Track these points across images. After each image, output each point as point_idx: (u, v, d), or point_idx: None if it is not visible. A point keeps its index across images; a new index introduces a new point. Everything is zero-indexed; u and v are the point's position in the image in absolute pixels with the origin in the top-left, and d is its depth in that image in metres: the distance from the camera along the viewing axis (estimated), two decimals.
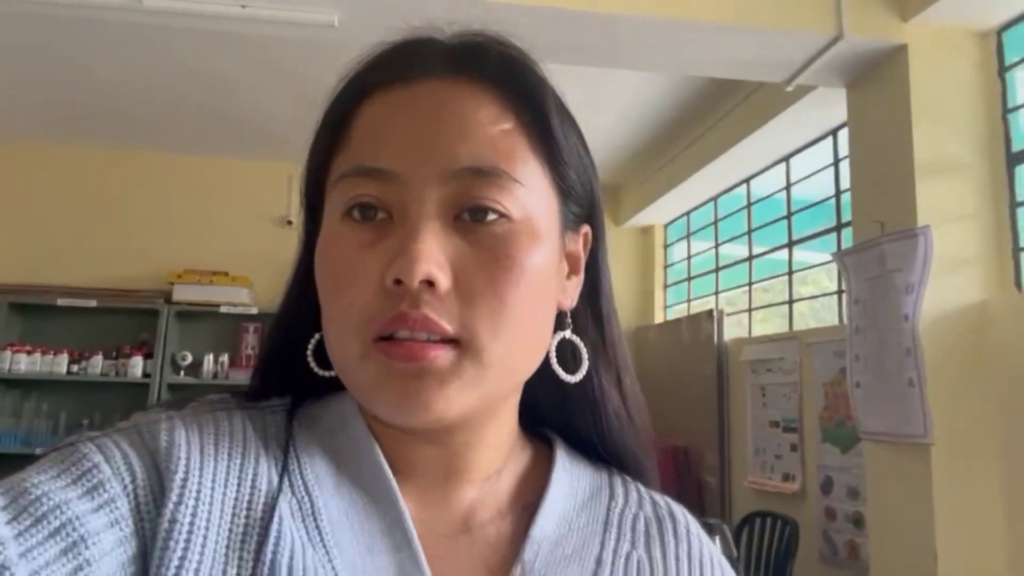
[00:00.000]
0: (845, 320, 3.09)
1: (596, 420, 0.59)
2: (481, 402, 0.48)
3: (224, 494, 0.45)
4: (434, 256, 0.45)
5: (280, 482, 0.48)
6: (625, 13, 2.38)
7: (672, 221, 5.14)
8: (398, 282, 0.45)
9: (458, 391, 0.46)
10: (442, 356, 0.45)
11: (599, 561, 0.53)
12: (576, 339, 0.56)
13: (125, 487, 0.43)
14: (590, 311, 0.58)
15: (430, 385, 0.45)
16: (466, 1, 2.29)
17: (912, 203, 2.42)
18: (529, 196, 0.49)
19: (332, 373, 0.52)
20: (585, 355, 0.56)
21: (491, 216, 0.47)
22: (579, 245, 0.56)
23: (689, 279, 4.85)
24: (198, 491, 0.44)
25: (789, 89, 2.83)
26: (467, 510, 0.53)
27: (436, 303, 0.45)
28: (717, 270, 4.48)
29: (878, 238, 2.52)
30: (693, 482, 4.06)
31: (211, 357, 4.39)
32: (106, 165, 4.65)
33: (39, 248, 4.48)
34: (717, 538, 1.81)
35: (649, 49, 2.59)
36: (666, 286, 5.20)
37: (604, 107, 3.96)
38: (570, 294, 0.56)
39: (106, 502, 0.42)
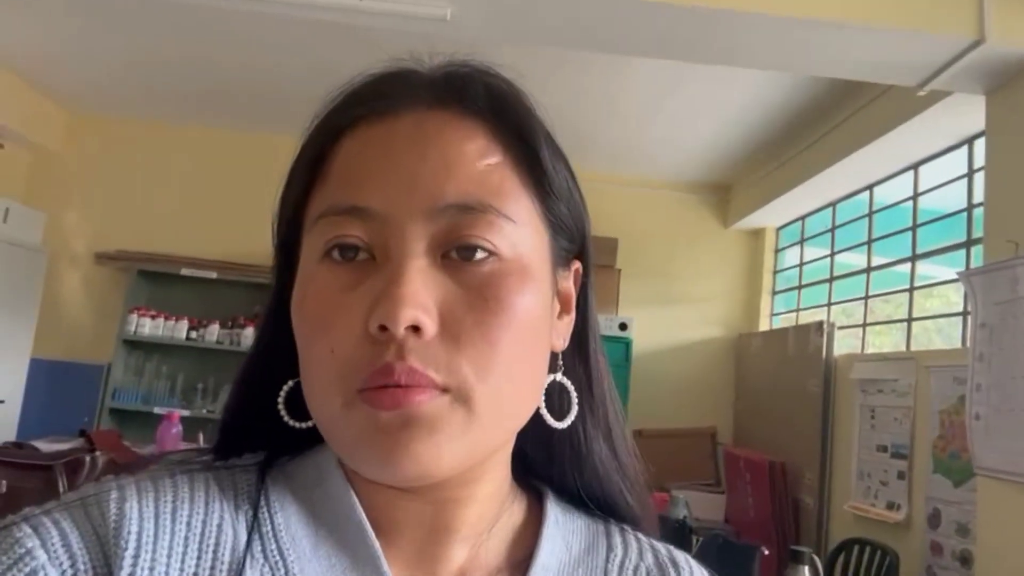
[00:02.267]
0: (968, 344, 2.88)
1: (581, 469, 0.56)
2: (472, 455, 0.45)
3: (182, 569, 0.42)
4: (420, 299, 0.42)
5: (248, 548, 0.44)
6: (756, 11, 2.28)
7: (785, 225, 4.92)
8: (382, 328, 0.42)
9: (448, 441, 0.42)
10: (428, 401, 0.42)
11: None
12: (566, 381, 0.53)
13: (63, 573, 0.40)
14: (577, 352, 0.55)
15: (418, 435, 0.42)
16: (591, 2, 2.25)
17: None
18: (519, 233, 0.46)
19: (307, 424, 0.49)
20: (575, 398, 0.53)
21: (479, 255, 0.44)
22: (570, 282, 0.53)
23: (800, 287, 4.64)
24: (151, 568, 0.41)
25: (922, 94, 2.64)
26: (457, 572, 0.49)
27: (422, 350, 0.42)
28: (831, 280, 4.26)
29: (1012, 259, 2.32)
30: (788, 500, 3.89)
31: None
32: (232, 146, 4.89)
33: (168, 221, 4.78)
34: (806, 568, 1.72)
35: (777, 48, 2.47)
36: (774, 293, 4.99)
37: (722, 104, 3.84)
38: (562, 334, 0.53)
39: None
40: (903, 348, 3.46)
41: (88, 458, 2.23)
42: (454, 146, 0.46)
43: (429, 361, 0.42)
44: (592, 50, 2.68)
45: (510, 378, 0.45)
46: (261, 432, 0.51)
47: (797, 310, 4.64)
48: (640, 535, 0.57)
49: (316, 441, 0.50)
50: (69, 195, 4.81)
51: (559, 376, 0.52)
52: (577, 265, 0.54)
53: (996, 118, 2.54)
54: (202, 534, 0.44)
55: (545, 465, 0.56)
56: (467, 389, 0.43)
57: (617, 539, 0.56)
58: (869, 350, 3.80)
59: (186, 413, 4.10)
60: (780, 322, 4.87)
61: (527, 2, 2.32)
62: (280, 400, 0.50)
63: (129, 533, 0.41)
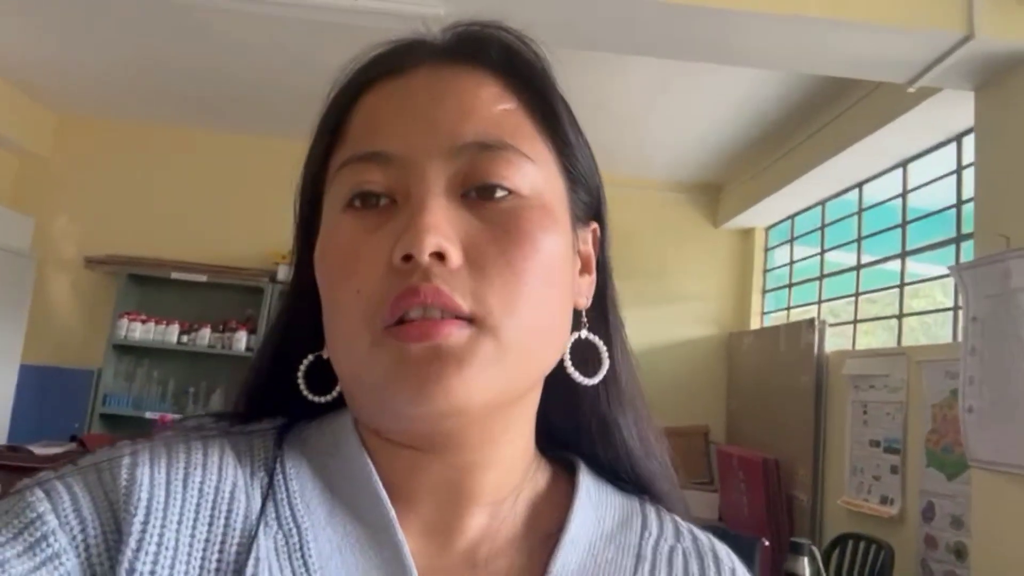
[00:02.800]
0: (960, 338, 2.91)
1: (609, 441, 0.54)
2: (502, 390, 0.44)
3: (192, 536, 0.41)
4: (443, 229, 0.42)
5: (262, 515, 0.43)
6: (747, 9, 2.29)
7: (775, 224, 4.95)
8: (407, 258, 0.42)
9: (478, 373, 0.42)
10: (457, 333, 0.42)
11: None
12: (594, 337, 0.52)
13: (73, 538, 0.39)
14: (599, 315, 0.54)
15: (448, 368, 0.41)
16: (580, 1, 2.26)
17: None
18: (538, 173, 0.46)
19: (326, 398, 0.49)
20: (605, 354, 0.52)
21: (500, 193, 0.45)
22: (589, 244, 0.53)
23: (790, 285, 4.67)
24: (160, 535, 0.40)
25: (911, 91, 2.66)
26: (474, 541, 0.48)
27: (448, 276, 0.42)
28: (821, 277, 4.29)
29: (1003, 253, 2.35)
30: (782, 497, 3.91)
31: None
32: (222, 148, 4.87)
33: (158, 224, 4.75)
34: (806, 559, 1.73)
35: (767, 46, 2.49)
36: (764, 291, 5.02)
37: (710, 104, 3.86)
38: (585, 292, 0.52)
39: (50, 558, 0.39)
40: (894, 344, 3.49)
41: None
42: (470, 91, 0.47)
43: (456, 286, 0.42)
44: (586, 49, 2.69)
45: (535, 312, 0.44)
46: (281, 400, 0.51)
47: (788, 308, 4.67)
48: (677, 518, 0.55)
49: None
50: (58, 199, 4.77)
51: (585, 333, 0.52)
52: (595, 226, 0.54)
53: (985, 114, 2.56)
54: (214, 501, 0.43)
55: (574, 440, 0.55)
56: (494, 320, 0.42)
57: (652, 517, 0.54)
58: (859, 346, 3.82)
59: (178, 417, 4.07)
60: (771, 320, 4.89)
61: (521, 1, 2.33)
62: (300, 373, 0.50)
63: (139, 499, 0.41)
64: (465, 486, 0.48)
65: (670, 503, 0.56)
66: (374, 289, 0.43)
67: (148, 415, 4.31)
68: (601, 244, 0.55)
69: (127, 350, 4.53)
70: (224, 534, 0.42)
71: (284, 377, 0.51)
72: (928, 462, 2.99)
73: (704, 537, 0.54)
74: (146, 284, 4.64)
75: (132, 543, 0.39)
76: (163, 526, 0.41)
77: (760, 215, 4.79)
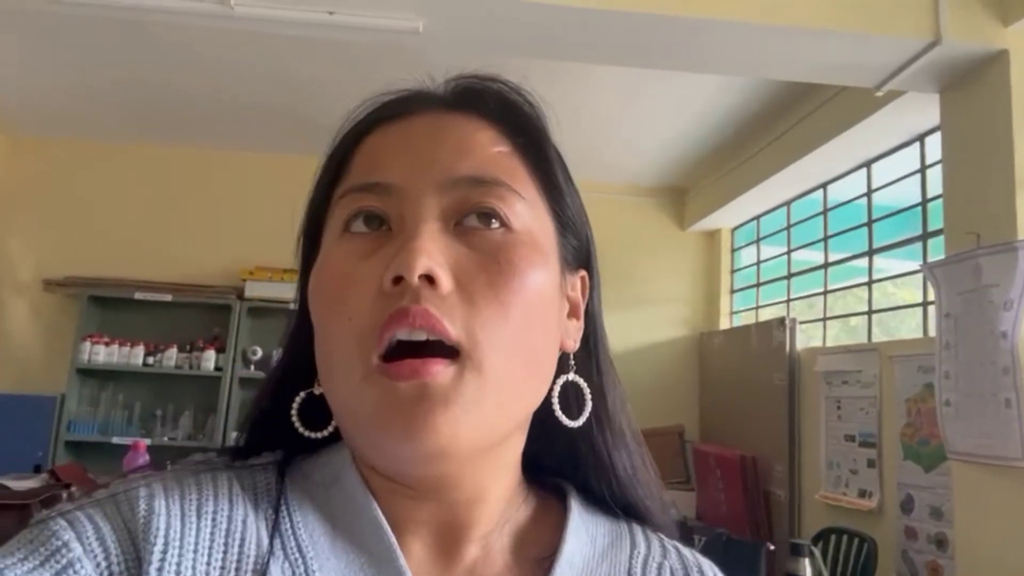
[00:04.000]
0: (931, 333, 2.99)
1: (605, 474, 0.57)
2: (487, 430, 0.45)
3: (208, 563, 0.42)
4: (434, 254, 0.43)
5: (271, 544, 0.45)
6: (713, 17, 2.33)
7: (740, 225, 5.04)
8: (397, 280, 0.43)
9: (463, 411, 0.43)
10: (442, 372, 0.43)
11: None
12: (580, 380, 0.54)
13: (98, 565, 0.41)
14: (590, 358, 0.56)
15: (434, 407, 0.42)
16: (545, 8, 2.27)
17: (1012, 215, 2.32)
18: (529, 212, 0.48)
19: (321, 434, 0.50)
20: (588, 397, 0.54)
21: (492, 223, 0.46)
22: (578, 291, 0.55)
23: (758, 285, 4.75)
24: (178, 563, 0.41)
25: (879, 94, 2.73)
26: (470, 567, 0.49)
27: (438, 300, 0.43)
28: (789, 276, 4.38)
29: (973, 250, 2.42)
30: (760, 493, 3.97)
31: (280, 352, 4.48)
32: (184, 164, 4.77)
33: (119, 243, 4.62)
34: (807, 560, 1.75)
35: (736, 53, 2.53)
36: (732, 291, 5.10)
37: (676, 110, 3.91)
38: (572, 335, 0.54)
39: None
40: (864, 340, 3.57)
41: (64, 493, 2.14)
42: (467, 134, 0.49)
43: (445, 311, 0.43)
44: (559, 59, 2.71)
45: (520, 346, 0.45)
46: (281, 436, 0.52)
47: (756, 307, 4.75)
48: (664, 537, 0.58)
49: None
50: (12, 221, 4.62)
51: (572, 376, 0.53)
52: (583, 273, 0.56)
53: (951, 115, 2.64)
54: (227, 530, 0.44)
55: (569, 472, 0.57)
56: (480, 352, 0.43)
57: (640, 537, 0.56)
58: (828, 343, 3.90)
59: (147, 441, 3.95)
60: (740, 320, 4.97)
61: (497, 14, 2.33)
62: (294, 410, 0.51)
63: (158, 529, 0.42)
64: (459, 522, 0.49)
65: (658, 527, 0.58)
66: (365, 315, 0.44)
67: (115, 440, 4.18)
68: (591, 292, 0.56)
69: (91, 374, 4.40)
70: (238, 562, 0.43)
71: (285, 413, 0.52)
72: (904, 455, 3.06)
73: (688, 553, 0.57)
74: (109, 305, 4.51)
75: (152, 572, 0.40)
76: (180, 554, 0.42)
77: (726, 217, 4.87)
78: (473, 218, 0.46)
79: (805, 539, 3.34)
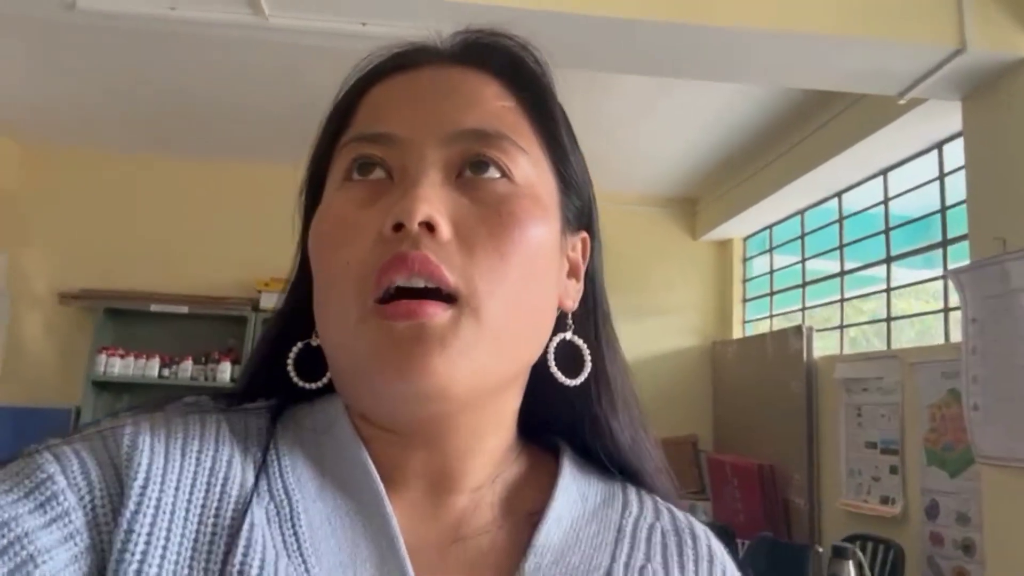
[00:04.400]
0: (955, 339, 3.01)
1: (601, 433, 0.56)
2: (483, 373, 0.45)
3: (189, 500, 0.42)
4: (435, 202, 0.44)
5: (256, 485, 0.45)
6: (737, 26, 2.35)
7: (752, 235, 5.06)
8: (397, 228, 0.43)
9: (459, 354, 0.43)
10: (440, 314, 0.43)
11: (609, 573, 0.49)
12: (578, 340, 0.54)
13: (81, 498, 0.41)
14: (589, 319, 0.56)
15: (431, 348, 0.42)
16: (568, 17, 2.29)
17: None
18: (532, 167, 0.48)
19: (315, 384, 0.51)
20: (588, 356, 0.54)
21: (493, 172, 0.46)
22: (578, 252, 0.55)
23: (771, 294, 4.77)
24: (158, 499, 0.41)
25: (902, 102, 2.76)
26: (458, 518, 0.49)
27: (437, 247, 0.43)
28: (804, 285, 4.39)
29: (1000, 256, 2.44)
30: (779, 502, 3.97)
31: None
32: (200, 175, 4.78)
33: (135, 255, 4.62)
34: (851, 563, 1.76)
35: (760, 62, 2.56)
36: (744, 300, 5.11)
37: (690, 119, 3.93)
38: (571, 295, 0.54)
39: (59, 515, 0.40)
40: (883, 347, 3.58)
41: None
42: (473, 87, 0.49)
43: (443, 258, 0.43)
44: (582, 69, 2.73)
45: (518, 297, 0.46)
46: (277, 386, 0.52)
47: (770, 316, 4.76)
48: (658, 499, 0.57)
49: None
50: (28, 234, 4.61)
51: (569, 335, 0.53)
52: (584, 235, 0.56)
53: (975, 121, 2.67)
54: (211, 470, 0.44)
55: (567, 433, 0.57)
56: (477, 299, 0.44)
57: (633, 497, 0.56)
58: (846, 351, 3.92)
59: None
60: (752, 329, 4.98)
61: (516, 24, 2.34)
62: (290, 360, 0.51)
63: (139, 464, 0.42)
64: (450, 473, 0.49)
65: (657, 490, 0.58)
66: (363, 259, 0.44)
67: None
68: (592, 255, 0.57)
69: (106, 386, 4.38)
70: (220, 501, 0.43)
71: (281, 363, 0.52)
72: (928, 461, 3.07)
73: (682, 516, 0.56)
74: (124, 318, 4.50)
75: (131, 505, 0.40)
76: (161, 490, 0.42)
77: (738, 226, 4.89)
78: (475, 168, 0.46)
79: (827, 547, 3.34)
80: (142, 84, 3.78)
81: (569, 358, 0.54)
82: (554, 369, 0.52)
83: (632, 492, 0.56)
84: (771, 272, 4.79)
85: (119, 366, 4.32)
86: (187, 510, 0.42)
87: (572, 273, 0.54)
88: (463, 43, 0.53)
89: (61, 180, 4.71)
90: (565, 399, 0.55)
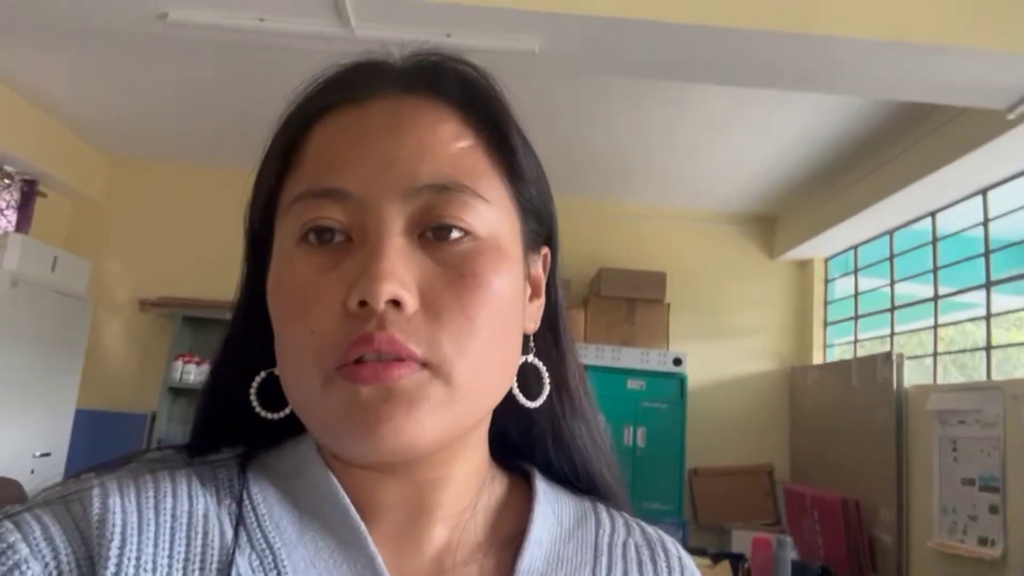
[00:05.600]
0: None
1: (565, 449, 0.57)
2: (452, 429, 0.45)
3: (170, 556, 0.41)
4: (399, 275, 0.42)
5: (236, 536, 0.44)
6: (837, 35, 2.25)
7: (835, 255, 4.86)
8: (362, 304, 0.42)
9: (428, 415, 0.43)
10: (408, 376, 0.42)
11: None
12: (538, 362, 0.54)
13: (46, 566, 0.40)
14: (549, 334, 0.56)
15: (399, 409, 0.42)
16: (661, 26, 2.22)
17: None
18: (493, 214, 0.47)
19: (279, 415, 0.49)
20: (547, 378, 0.54)
21: (455, 234, 0.45)
22: (539, 267, 0.54)
23: (856, 317, 4.56)
24: (138, 557, 0.40)
25: (1011, 117, 2.59)
26: (441, 550, 0.49)
27: (403, 323, 0.42)
28: (892, 309, 4.18)
29: None
30: (864, 539, 3.76)
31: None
32: None
33: (211, 264, 4.69)
34: None
35: (861, 73, 2.44)
36: (826, 324, 4.91)
37: (773, 136, 3.81)
38: (533, 317, 0.54)
39: None
40: (982, 378, 3.37)
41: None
42: (428, 129, 0.47)
43: (410, 334, 0.42)
44: (673, 79, 2.66)
45: (488, 354, 0.45)
46: (236, 426, 0.51)
47: (854, 341, 4.55)
48: (626, 515, 0.58)
49: (291, 434, 0.50)
50: (111, 242, 4.77)
51: (531, 357, 0.53)
52: (545, 250, 0.55)
53: None
54: (188, 524, 0.43)
55: (529, 449, 0.57)
56: (448, 365, 0.43)
57: (604, 515, 0.57)
58: (939, 380, 3.70)
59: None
60: (834, 354, 4.77)
61: (615, 34, 2.29)
62: (252, 391, 0.50)
63: (114, 526, 0.41)
64: (424, 502, 0.49)
65: (617, 503, 0.59)
66: (329, 331, 0.43)
67: None
68: (552, 265, 0.56)
69: (182, 393, 4.47)
70: (202, 555, 0.42)
71: (238, 400, 0.51)
72: None
73: (651, 530, 0.58)
74: (200, 325, 4.59)
75: (111, 566, 0.39)
76: (139, 547, 0.41)
77: (819, 246, 4.70)
78: (437, 232, 0.45)
79: None
80: (223, 97, 3.87)
81: (529, 377, 0.54)
82: (517, 394, 0.52)
83: (602, 510, 0.57)
84: (856, 295, 4.58)
85: (195, 373, 4.40)
86: (170, 566, 0.41)
87: (534, 292, 0.54)
88: (416, 67, 0.50)
89: (143, 191, 4.86)
90: (525, 414, 0.55)
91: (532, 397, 0.53)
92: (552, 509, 0.54)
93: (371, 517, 0.48)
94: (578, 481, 0.58)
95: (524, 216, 0.51)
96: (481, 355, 0.45)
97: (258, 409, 0.50)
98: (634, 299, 4.58)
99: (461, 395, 0.44)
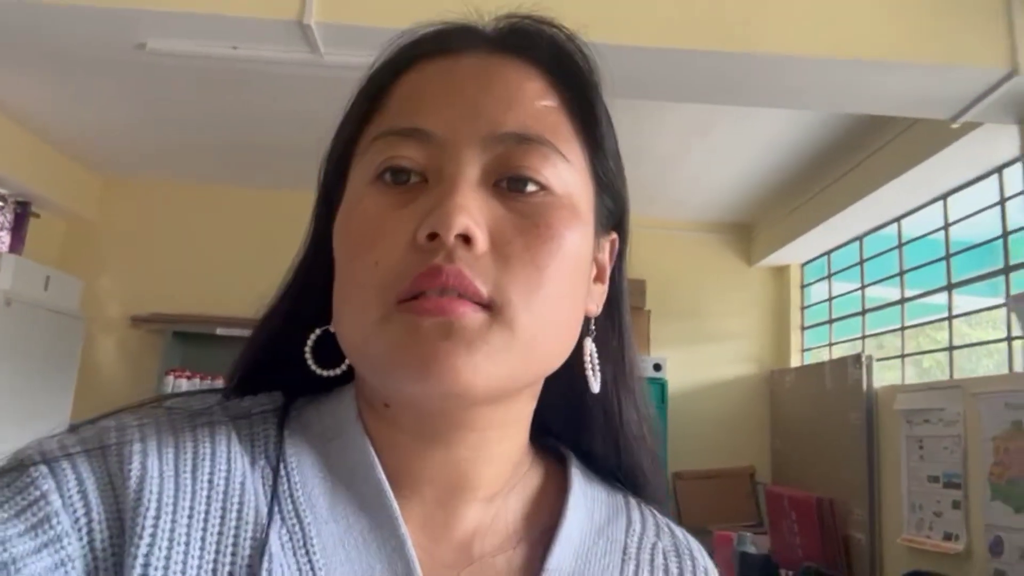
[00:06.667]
0: (1018, 369, 2.90)
1: (613, 436, 0.56)
2: (508, 379, 0.44)
3: (205, 530, 0.41)
4: (472, 211, 0.42)
5: (270, 512, 0.43)
6: (789, 53, 2.34)
7: (810, 261, 4.97)
8: (432, 237, 0.42)
9: (486, 359, 0.42)
10: (471, 315, 0.41)
11: None
12: (593, 347, 0.53)
13: (77, 521, 0.39)
14: (610, 321, 0.56)
15: (458, 347, 0.41)
16: (621, 49, 2.33)
17: None
18: (571, 173, 0.47)
19: (333, 372, 0.49)
20: (596, 365, 0.53)
21: (532, 187, 0.45)
22: (606, 254, 0.54)
23: (830, 321, 4.66)
24: (172, 529, 0.40)
25: (955, 126, 2.70)
26: (470, 534, 0.48)
27: (472, 261, 0.42)
28: (863, 313, 4.29)
29: None
30: (838, 537, 3.85)
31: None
32: (264, 205, 4.97)
33: (202, 281, 4.83)
34: None
35: (811, 88, 2.55)
36: (803, 328, 5.01)
37: (745, 145, 3.92)
38: (596, 299, 0.53)
39: (52, 540, 0.38)
40: (946, 377, 3.47)
41: None
42: (515, 83, 0.47)
43: (478, 272, 0.42)
44: (635, 98, 2.76)
45: (552, 309, 0.44)
46: (282, 375, 0.51)
47: (829, 344, 4.65)
48: (657, 513, 0.57)
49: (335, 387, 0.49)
50: (103, 260, 4.88)
51: (590, 341, 0.53)
52: (614, 236, 0.55)
53: None
54: (225, 493, 0.43)
55: (575, 432, 0.57)
56: (511, 310, 0.42)
57: (636, 514, 0.56)
58: (906, 380, 3.80)
59: (181, 393, 4.09)
60: (811, 357, 4.87)
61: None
62: (308, 346, 0.49)
63: (151, 493, 0.40)
64: (464, 478, 0.48)
65: (654, 498, 0.58)
66: (394, 263, 0.43)
67: None
68: (619, 255, 0.56)
69: None
70: (237, 529, 0.41)
71: (286, 350, 0.50)
72: (993, 495, 2.94)
73: (680, 534, 0.57)
74: (191, 341, 4.70)
75: (146, 536, 0.39)
76: (174, 520, 0.40)
77: (795, 252, 4.81)
78: (514, 183, 0.45)
79: None
80: (211, 119, 3.98)
81: (591, 359, 0.53)
82: (590, 376, 0.52)
83: (634, 507, 0.56)
84: (830, 299, 4.69)
85: (186, 387, 4.50)
86: (203, 539, 0.40)
87: (599, 277, 0.54)
88: (508, 29, 0.50)
89: (135, 209, 4.97)
90: (578, 399, 0.54)
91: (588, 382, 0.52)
92: (585, 502, 0.53)
93: (407, 490, 0.47)
94: (619, 470, 0.57)
95: (600, 189, 0.51)
96: (546, 307, 0.44)
97: (313, 366, 0.49)
98: None
99: (523, 344, 0.43)
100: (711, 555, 0.58)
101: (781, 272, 5.14)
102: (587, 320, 0.52)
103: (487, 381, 0.42)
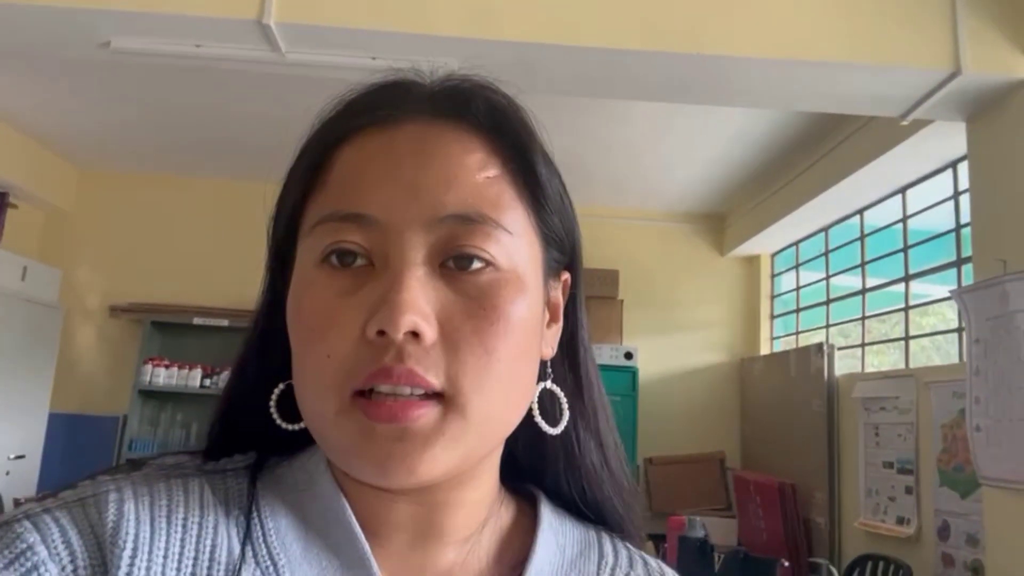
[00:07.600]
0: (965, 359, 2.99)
1: (575, 474, 0.56)
2: (465, 460, 0.45)
3: (178, 570, 0.42)
4: (419, 306, 0.43)
5: (243, 552, 0.44)
6: (748, 55, 2.40)
7: (780, 251, 5.06)
8: (381, 333, 0.42)
9: (443, 450, 0.43)
10: (425, 415, 0.43)
11: None
12: (556, 388, 0.54)
13: (63, 568, 0.40)
14: (567, 360, 0.56)
15: (413, 448, 0.42)
16: (580, 50, 2.39)
17: None
18: (515, 244, 0.47)
19: (298, 426, 0.49)
20: (565, 405, 0.54)
21: (477, 264, 0.45)
22: (559, 292, 0.54)
23: (798, 310, 4.76)
24: (148, 568, 0.41)
25: (904, 123, 2.78)
26: (447, 572, 0.49)
27: (421, 355, 0.43)
28: (828, 302, 4.38)
29: (1000, 277, 2.44)
30: (799, 521, 3.95)
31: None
32: (241, 195, 5.00)
33: (178, 271, 4.88)
34: None
35: (768, 88, 2.61)
36: (772, 317, 5.11)
37: (711, 139, 3.99)
38: (550, 343, 0.53)
39: None
40: (902, 366, 3.57)
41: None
42: (455, 158, 0.47)
43: (428, 365, 0.43)
44: (594, 97, 2.83)
45: (504, 386, 0.45)
46: (251, 433, 0.52)
47: (796, 333, 4.75)
48: (630, 546, 0.58)
49: (305, 441, 0.50)
50: (82, 251, 4.92)
51: (549, 384, 0.53)
52: (566, 276, 0.55)
53: (978, 143, 2.67)
54: (198, 536, 0.44)
55: (539, 471, 0.57)
56: (463, 398, 0.43)
57: (608, 547, 0.56)
58: (868, 368, 3.90)
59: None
60: (780, 345, 4.97)
61: (528, 58, 2.46)
62: (272, 402, 0.50)
63: (127, 534, 0.42)
64: (434, 524, 0.49)
65: (626, 532, 0.59)
66: (345, 357, 0.43)
67: None
68: (572, 288, 0.56)
69: (151, 395, 4.64)
70: (209, 569, 0.43)
71: (255, 408, 0.51)
72: (941, 481, 3.05)
73: (655, 563, 0.57)
74: (169, 330, 4.76)
75: (122, 575, 0.41)
76: (150, 560, 0.42)
77: (765, 242, 4.90)
78: (459, 262, 0.45)
79: (844, 567, 3.33)
80: (185, 112, 4.03)
81: (546, 403, 0.54)
82: (538, 419, 0.52)
83: (607, 541, 0.57)
84: (797, 289, 4.78)
85: (164, 376, 4.57)
86: None
87: (552, 318, 0.53)
88: (445, 92, 0.50)
89: (112, 201, 5.01)
90: (539, 439, 0.54)
91: (550, 421, 0.53)
92: (555, 537, 0.54)
93: (378, 536, 0.48)
94: (586, 507, 0.57)
95: (546, 245, 0.51)
96: (498, 389, 0.45)
97: (278, 420, 0.50)
98: (588, 296, 4.73)
99: (476, 428, 0.44)
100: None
101: (752, 262, 5.23)
102: (544, 364, 0.53)
103: (445, 467, 0.44)
